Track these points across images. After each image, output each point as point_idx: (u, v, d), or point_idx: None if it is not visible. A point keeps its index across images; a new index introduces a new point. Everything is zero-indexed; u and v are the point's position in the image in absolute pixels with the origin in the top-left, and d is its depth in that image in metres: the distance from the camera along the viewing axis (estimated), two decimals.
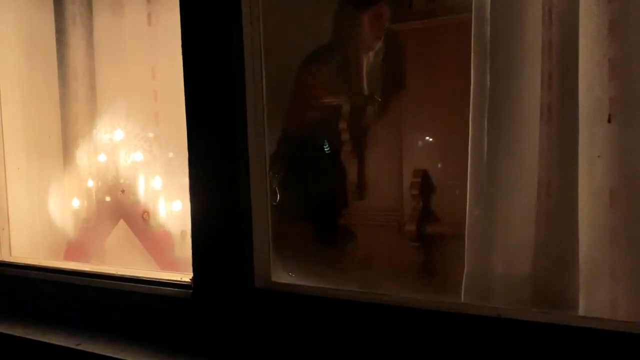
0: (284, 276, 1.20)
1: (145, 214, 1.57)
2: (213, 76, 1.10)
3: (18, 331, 1.29)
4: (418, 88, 1.90)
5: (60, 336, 1.24)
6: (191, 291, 1.15)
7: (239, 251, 1.10)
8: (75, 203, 1.69)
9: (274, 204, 1.19)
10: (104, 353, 1.14)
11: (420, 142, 1.93)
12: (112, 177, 1.63)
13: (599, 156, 1.01)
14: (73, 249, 1.69)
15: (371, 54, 2.25)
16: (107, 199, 1.70)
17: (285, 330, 1.07)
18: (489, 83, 1.24)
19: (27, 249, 1.61)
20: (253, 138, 1.10)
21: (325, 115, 2.12)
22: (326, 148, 2.05)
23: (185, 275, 1.18)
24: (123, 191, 1.60)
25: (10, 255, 1.56)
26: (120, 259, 1.70)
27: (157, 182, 1.58)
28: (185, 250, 1.18)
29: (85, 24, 1.77)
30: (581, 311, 1.11)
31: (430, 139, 1.91)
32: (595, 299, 1.09)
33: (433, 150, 1.90)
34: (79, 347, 1.18)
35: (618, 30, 1.02)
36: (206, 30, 1.10)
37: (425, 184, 1.89)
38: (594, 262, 1.09)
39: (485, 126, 1.25)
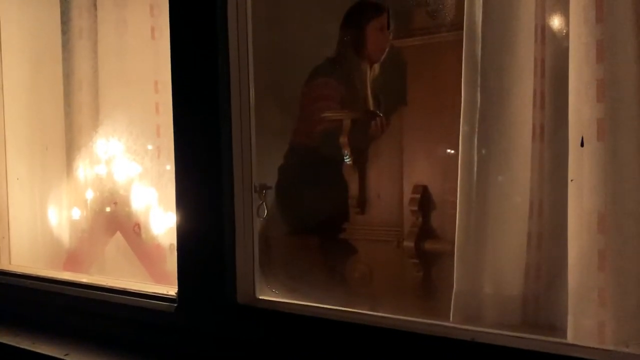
0: (280, 292, 1.20)
1: (137, 226, 1.58)
2: (199, 91, 1.12)
3: (10, 339, 1.31)
4: (419, 104, 1.90)
5: (50, 346, 1.26)
6: (175, 305, 1.15)
7: (222, 267, 1.10)
8: (75, 214, 1.71)
9: (261, 219, 1.19)
10: None
11: (420, 158, 1.92)
12: (109, 189, 1.66)
13: (572, 180, 1.00)
14: (72, 259, 1.71)
15: (376, 66, 2.26)
16: (108, 209, 1.72)
17: (266, 347, 1.07)
18: (479, 101, 1.23)
19: (27, 258, 1.64)
20: (238, 154, 1.11)
21: (326, 129, 2.14)
22: (346, 159, 2.06)
23: (171, 289, 1.19)
24: (116, 203, 1.62)
25: (10, 263, 1.59)
26: (118, 270, 1.72)
27: (151, 195, 1.60)
28: (175, 263, 1.18)
29: (90, 36, 1.81)
30: (569, 336, 1.09)
31: (431, 155, 1.90)
32: (582, 324, 1.07)
33: (433, 167, 1.89)
34: (66, 358, 1.20)
35: (606, 51, 1.01)
36: (193, 36, 1.12)
37: (424, 200, 1.88)
38: (581, 286, 1.07)
39: (476, 145, 1.24)
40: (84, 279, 1.37)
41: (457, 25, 1.65)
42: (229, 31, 1.09)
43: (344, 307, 1.04)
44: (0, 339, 1.31)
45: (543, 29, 1.23)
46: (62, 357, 1.20)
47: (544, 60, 1.24)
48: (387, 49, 2.21)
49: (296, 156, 2.28)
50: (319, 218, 2.16)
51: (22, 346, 1.27)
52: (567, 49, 1.09)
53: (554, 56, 1.22)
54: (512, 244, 1.23)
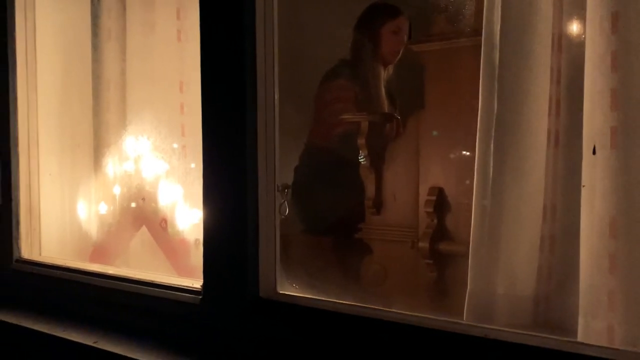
0: (299, 288, 1.25)
1: (163, 222, 1.64)
2: (227, 92, 1.17)
3: (42, 327, 1.37)
4: (436, 107, 1.94)
5: (79, 333, 1.32)
6: (200, 297, 1.21)
7: (246, 262, 1.15)
8: (102, 208, 1.78)
9: (282, 217, 1.24)
10: (117, 351, 1.21)
11: (437, 161, 1.96)
12: (136, 185, 1.72)
13: (583, 186, 1.03)
14: (98, 251, 1.78)
15: (390, 67, 2.30)
16: (133, 205, 1.79)
17: (287, 340, 1.12)
18: (496, 108, 1.27)
19: (55, 250, 1.70)
20: (263, 155, 1.16)
21: (344, 131, 2.18)
22: (361, 159, 2.10)
23: (196, 282, 1.24)
24: (144, 199, 1.69)
25: (40, 254, 1.66)
26: (142, 263, 1.79)
27: (178, 192, 1.66)
28: (200, 257, 1.24)
29: (119, 38, 1.87)
30: (580, 336, 1.12)
31: (447, 158, 1.94)
32: (593, 325, 1.11)
33: (449, 169, 1.93)
34: (95, 345, 1.26)
35: (620, 61, 1.04)
36: (222, 44, 1.18)
37: (440, 202, 1.92)
38: (592, 289, 1.10)
39: (492, 150, 1.28)
40: (112, 270, 1.44)
41: (476, 32, 1.69)
42: (256, 35, 1.14)
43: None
44: (33, 326, 1.38)
45: (560, 38, 1.26)
46: (91, 344, 1.26)
47: (560, 68, 1.27)
48: (401, 52, 2.25)
49: (312, 157, 2.33)
50: (334, 218, 2.21)
51: (53, 333, 1.33)
52: (582, 58, 1.13)
53: (569, 65, 1.25)
54: (526, 246, 1.27)
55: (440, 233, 1.89)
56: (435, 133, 1.94)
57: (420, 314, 0.99)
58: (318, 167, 2.32)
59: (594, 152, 1.01)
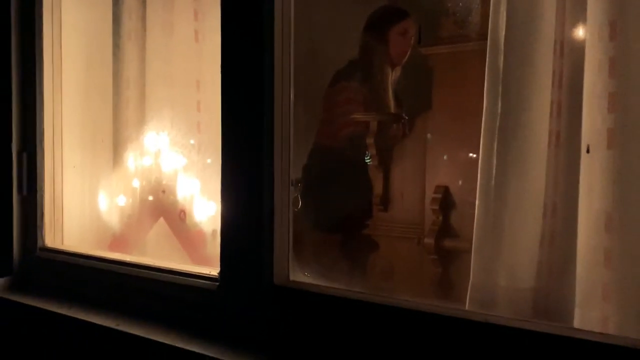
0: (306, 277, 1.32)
1: (182, 213, 1.72)
2: (246, 91, 1.24)
3: (66, 310, 1.45)
4: (443, 109, 2.01)
5: (102, 317, 1.39)
6: (217, 284, 1.28)
7: (261, 251, 1.22)
8: (121, 200, 1.86)
9: (296, 210, 1.31)
10: (138, 333, 1.29)
11: (443, 160, 2.03)
12: (155, 179, 1.80)
13: (580, 184, 1.09)
14: (117, 241, 1.85)
15: (398, 69, 2.36)
16: (150, 198, 1.87)
17: (299, 325, 1.18)
18: (500, 109, 1.33)
19: (76, 239, 1.78)
20: (279, 151, 1.22)
21: (353, 131, 2.25)
22: (367, 159, 2.17)
23: (213, 270, 1.31)
24: (164, 192, 1.76)
25: (62, 243, 1.74)
26: (159, 253, 1.86)
27: (195, 185, 1.73)
28: (215, 247, 1.31)
29: (139, 38, 1.95)
30: (576, 326, 1.19)
31: (453, 158, 2.00)
32: (588, 316, 1.17)
33: (455, 168, 2.00)
34: (117, 327, 1.33)
35: (617, 67, 1.11)
36: (241, 46, 1.24)
37: (445, 200, 1.99)
38: (588, 281, 1.17)
39: (495, 150, 1.34)
40: (133, 259, 1.51)
41: (482, 36, 1.75)
42: (274, 36, 1.21)
43: None
44: (57, 310, 1.45)
45: (562, 43, 1.32)
46: (113, 326, 1.34)
47: (562, 72, 1.34)
48: (408, 53, 2.31)
49: (321, 156, 2.40)
50: (343, 215, 2.28)
51: (77, 316, 1.41)
52: (583, 62, 1.19)
53: (571, 69, 1.32)
54: (527, 241, 1.33)
55: (445, 230, 1.96)
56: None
57: (425, 301, 1.05)
58: (327, 166, 2.39)
59: (587, 151, 1.08)
